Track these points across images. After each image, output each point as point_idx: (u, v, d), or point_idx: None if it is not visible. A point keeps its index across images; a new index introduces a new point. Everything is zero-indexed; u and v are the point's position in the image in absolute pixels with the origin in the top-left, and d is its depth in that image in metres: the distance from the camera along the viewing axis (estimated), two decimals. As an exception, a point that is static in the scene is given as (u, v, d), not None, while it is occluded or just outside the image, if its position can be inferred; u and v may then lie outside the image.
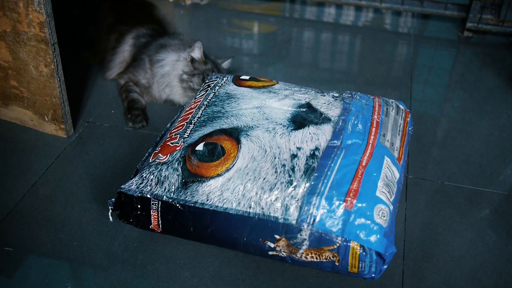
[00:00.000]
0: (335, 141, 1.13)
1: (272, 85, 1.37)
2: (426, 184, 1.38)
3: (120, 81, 1.71)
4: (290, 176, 1.06)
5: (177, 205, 1.07)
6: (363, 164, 1.08)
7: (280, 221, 1.02)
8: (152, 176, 1.11)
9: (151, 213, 1.10)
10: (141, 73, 1.67)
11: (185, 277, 1.10)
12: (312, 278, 1.10)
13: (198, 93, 1.39)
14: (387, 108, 1.28)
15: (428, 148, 1.52)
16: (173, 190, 1.08)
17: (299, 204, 1.02)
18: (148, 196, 1.09)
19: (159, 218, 1.10)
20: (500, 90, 1.81)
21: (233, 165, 1.09)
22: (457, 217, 1.27)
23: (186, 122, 1.23)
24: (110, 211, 1.15)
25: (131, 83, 1.67)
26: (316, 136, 1.15)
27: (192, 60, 1.59)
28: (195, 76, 1.58)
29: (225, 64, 1.69)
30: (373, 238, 0.98)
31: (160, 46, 1.66)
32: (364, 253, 0.99)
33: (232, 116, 1.23)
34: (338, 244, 0.99)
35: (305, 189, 1.03)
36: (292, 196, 1.03)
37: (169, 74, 1.62)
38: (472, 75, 1.90)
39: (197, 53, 1.58)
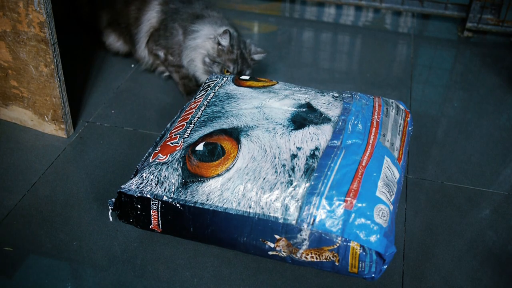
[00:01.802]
0: (335, 141, 1.13)
1: (272, 85, 1.37)
2: (426, 184, 1.38)
3: (159, 53, 1.67)
4: (290, 176, 1.06)
5: (177, 205, 1.07)
6: (363, 164, 1.08)
7: (280, 221, 1.02)
8: (152, 176, 1.11)
9: (151, 213, 1.10)
10: (175, 42, 1.62)
11: (185, 277, 1.10)
12: (312, 278, 1.11)
13: (198, 93, 1.39)
14: (387, 108, 1.28)
15: (428, 148, 1.52)
16: (173, 190, 1.08)
17: (299, 204, 1.02)
18: (148, 196, 1.09)
19: (159, 218, 1.10)
20: (500, 90, 1.81)
21: (233, 165, 1.09)
22: (457, 217, 1.28)
23: (186, 122, 1.23)
24: (110, 211, 1.15)
25: (170, 56, 1.65)
26: (316, 136, 1.15)
27: (220, 43, 1.56)
28: (215, 64, 1.56)
29: (257, 56, 1.63)
30: (373, 238, 0.98)
31: (196, 17, 1.60)
32: (364, 253, 0.99)
33: (232, 116, 1.23)
34: (338, 244, 0.99)
35: (305, 189, 1.03)
36: (292, 196, 1.03)
37: (195, 49, 1.58)
38: (472, 75, 1.90)
39: (224, 42, 1.54)
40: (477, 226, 1.25)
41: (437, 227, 1.24)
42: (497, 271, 1.14)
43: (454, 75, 1.93)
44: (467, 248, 1.19)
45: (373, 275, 1.01)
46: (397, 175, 1.12)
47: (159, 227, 1.11)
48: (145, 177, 1.11)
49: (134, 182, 1.11)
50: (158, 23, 1.66)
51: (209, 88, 1.37)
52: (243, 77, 1.41)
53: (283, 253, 1.03)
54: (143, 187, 1.10)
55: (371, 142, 1.14)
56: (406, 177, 1.39)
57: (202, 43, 1.57)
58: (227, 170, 1.08)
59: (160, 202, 1.08)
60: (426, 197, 1.33)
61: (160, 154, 1.15)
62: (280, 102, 1.27)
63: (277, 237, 1.02)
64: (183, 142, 1.16)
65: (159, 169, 1.11)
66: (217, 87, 1.36)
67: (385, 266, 1.00)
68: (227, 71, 1.56)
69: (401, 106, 1.33)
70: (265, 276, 1.11)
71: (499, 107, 1.72)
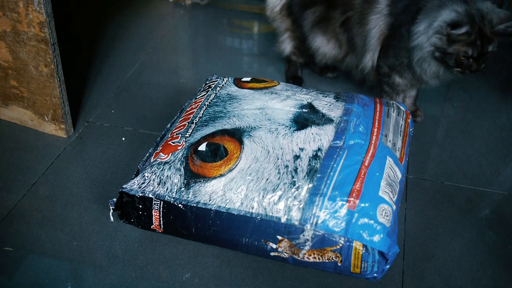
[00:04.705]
0: (338, 142, 1.13)
1: (273, 86, 1.36)
2: (426, 184, 1.38)
3: (384, 69, 1.46)
4: (293, 177, 1.06)
5: (179, 205, 1.07)
6: (366, 164, 1.08)
7: (282, 221, 1.02)
8: (154, 176, 1.11)
9: (153, 213, 1.09)
10: (403, 54, 1.39)
11: (185, 277, 1.10)
12: (312, 278, 1.11)
13: (198, 94, 1.39)
14: (388, 109, 1.28)
15: (428, 148, 1.52)
16: (175, 190, 1.08)
17: (302, 205, 1.02)
18: (150, 196, 1.09)
19: (161, 218, 1.09)
20: (500, 90, 1.81)
21: (236, 165, 1.09)
22: (457, 217, 1.28)
23: (188, 122, 1.23)
24: (111, 211, 1.15)
25: (395, 72, 1.44)
26: (319, 137, 1.15)
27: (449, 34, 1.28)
28: (447, 56, 1.31)
29: (503, 26, 1.27)
30: (376, 238, 0.98)
31: (417, 11, 1.32)
32: (367, 253, 0.99)
33: (234, 116, 1.22)
34: (341, 245, 0.99)
35: (308, 190, 1.03)
36: (295, 197, 1.03)
37: (421, 47, 1.33)
38: (472, 75, 1.90)
39: (459, 31, 1.25)
40: (477, 226, 1.25)
41: (437, 227, 1.25)
42: (497, 271, 1.14)
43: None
44: (467, 248, 1.19)
45: (375, 275, 1.01)
46: (399, 175, 1.12)
47: (161, 227, 1.11)
48: (147, 176, 1.11)
49: (136, 182, 1.11)
50: (387, 28, 1.41)
51: (210, 89, 1.37)
52: (244, 79, 1.41)
53: (285, 254, 1.03)
54: (145, 187, 1.10)
55: (373, 142, 1.14)
56: (406, 177, 1.39)
57: (425, 38, 1.32)
58: (230, 170, 1.08)
59: (162, 202, 1.08)
60: (426, 197, 1.33)
61: (161, 153, 1.15)
62: (282, 103, 1.27)
63: (279, 238, 1.02)
64: (185, 142, 1.16)
65: (161, 169, 1.11)
66: (218, 88, 1.36)
67: (388, 266, 1.00)
68: (464, 57, 1.30)
69: (401, 108, 1.33)
70: (265, 276, 1.11)
71: (499, 107, 1.72)
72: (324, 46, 1.59)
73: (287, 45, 1.73)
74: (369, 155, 1.10)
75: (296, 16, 1.62)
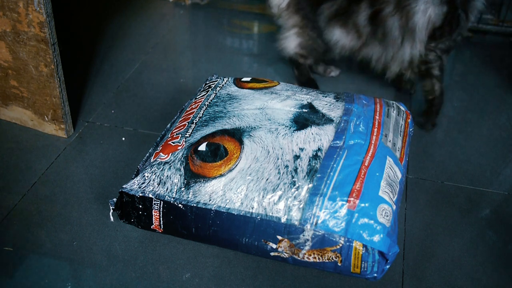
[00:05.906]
0: (338, 142, 1.13)
1: (273, 86, 1.36)
2: (426, 184, 1.38)
3: (434, 54, 1.47)
4: (293, 177, 1.06)
5: (179, 205, 1.07)
6: (366, 164, 1.08)
7: (282, 221, 1.02)
8: (154, 176, 1.11)
9: (153, 213, 1.09)
10: (455, 34, 1.42)
11: (186, 277, 1.10)
12: (312, 278, 1.11)
13: (198, 94, 1.39)
14: (388, 109, 1.28)
15: (428, 148, 1.52)
16: (175, 190, 1.08)
17: (302, 205, 1.02)
18: (150, 196, 1.09)
19: (161, 218, 1.09)
20: (500, 90, 1.81)
21: (236, 165, 1.09)
22: (457, 217, 1.28)
23: (188, 122, 1.23)
24: (111, 211, 1.15)
25: (446, 54, 1.45)
26: (319, 137, 1.15)
27: None
28: None
29: None
30: (376, 238, 0.98)
31: None
32: (367, 253, 0.99)
33: (234, 116, 1.22)
34: (341, 244, 0.99)
35: (308, 190, 1.03)
36: (295, 197, 1.03)
37: None
38: (472, 75, 1.90)
39: None
40: (477, 226, 1.25)
41: (437, 227, 1.25)
42: (497, 271, 1.14)
43: (454, 75, 1.93)
44: (467, 248, 1.19)
45: (375, 275, 1.01)
46: (399, 175, 1.12)
47: (161, 227, 1.11)
48: (147, 176, 1.11)
49: (136, 182, 1.11)
50: (439, 18, 1.40)
51: (210, 89, 1.37)
52: (244, 79, 1.41)
53: (285, 254, 1.03)
54: (145, 187, 1.10)
55: (373, 142, 1.14)
56: (406, 177, 1.39)
57: None
58: (230, 170, 1.08)
59: (162, 202, 1.08)
60: (426, 197, 1.33)
61: (161, 153, 1.15)
62: (282, 103, 1.27)
63: (279, 238, 1.02)
64: (185, 142, 1.16)
65: (161, 169, 1.11)
66: (218, 88, 1.36)
67: (388, 266, 1.00)
68: None
69: (401, 108, 1.33)
70: (265, 276, 1.11)
71: (499, 107, 1.72)
72: (343, 38, 1.59)
73: (291, 43, 1.72)
74: (369, 155, 1.10)
75: (306, 12, 1.62)
